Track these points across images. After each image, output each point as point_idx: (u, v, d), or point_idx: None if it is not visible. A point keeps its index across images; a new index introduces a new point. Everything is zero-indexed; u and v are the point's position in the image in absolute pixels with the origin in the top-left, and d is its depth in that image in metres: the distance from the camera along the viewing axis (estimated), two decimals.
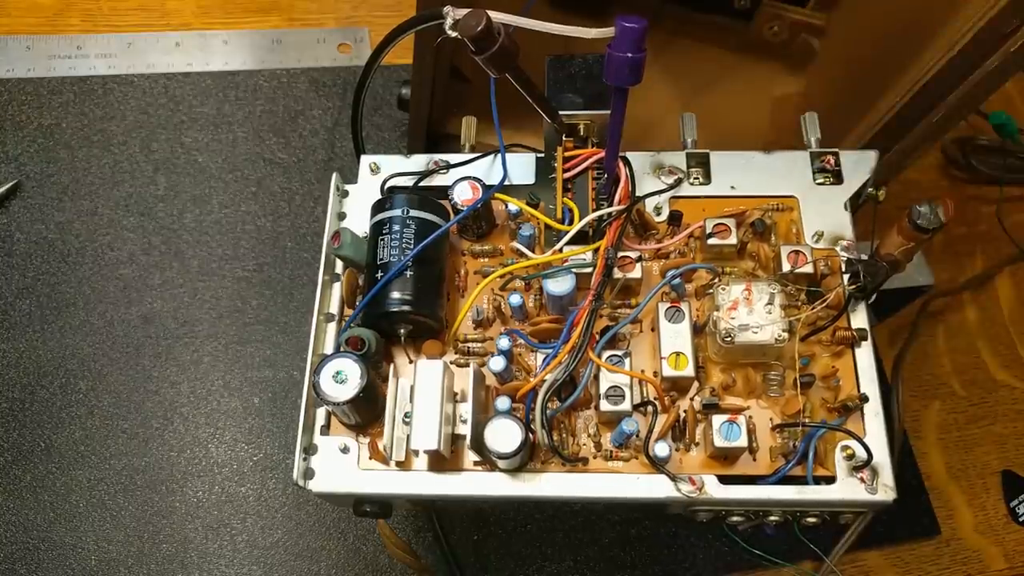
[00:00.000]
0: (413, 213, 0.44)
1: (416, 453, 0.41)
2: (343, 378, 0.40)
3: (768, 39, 0.58)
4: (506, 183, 0.46)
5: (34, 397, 0.63)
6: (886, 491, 0.39)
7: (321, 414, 0.43)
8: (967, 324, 0.70)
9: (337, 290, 0.46)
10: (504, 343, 0.42)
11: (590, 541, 0.60)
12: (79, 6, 0.78)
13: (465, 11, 0.39)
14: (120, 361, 0.65)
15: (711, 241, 0.44)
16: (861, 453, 0.39)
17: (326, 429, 0.43)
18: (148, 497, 0.61)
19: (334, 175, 0.48)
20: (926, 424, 0.66)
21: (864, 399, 0.41)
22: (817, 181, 0.46)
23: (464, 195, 0.45)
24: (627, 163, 0.45)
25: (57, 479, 0.61)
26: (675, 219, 0.46)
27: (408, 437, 0.40)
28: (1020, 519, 0.63)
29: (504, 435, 0.39)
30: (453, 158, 0.49)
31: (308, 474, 0.42)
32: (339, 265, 0.47)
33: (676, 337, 0.42)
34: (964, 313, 0.70)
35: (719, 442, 0.40)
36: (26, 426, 0.62)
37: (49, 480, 0.61)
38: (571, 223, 0.43)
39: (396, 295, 0.42)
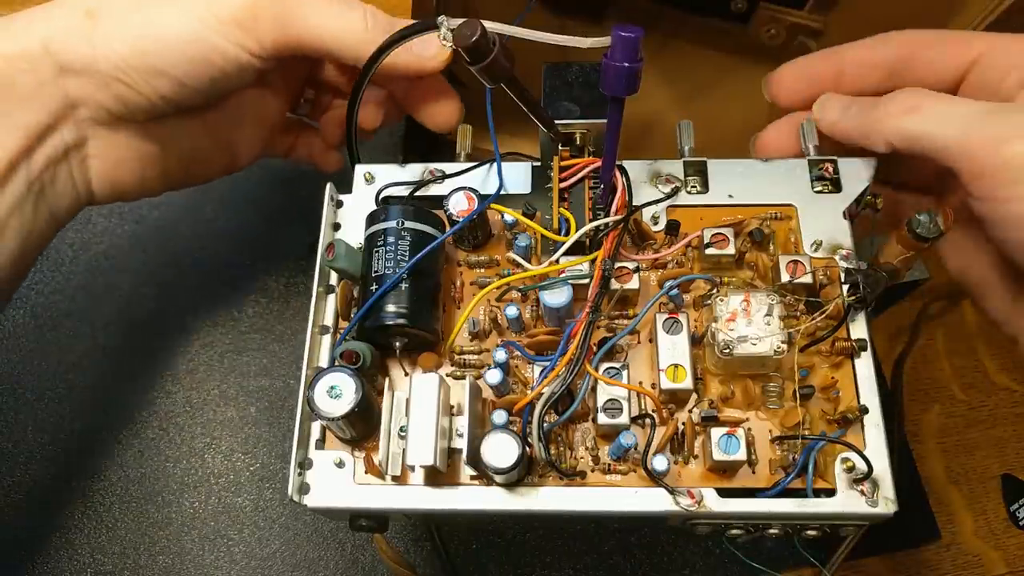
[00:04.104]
0: (408, 224, 0.43)
1: (412, 468, 0.41)
2: (338, 393, 0.40)
3: (765, 42, 0.57)
4: (502, 192, 0.46)
5: (28, 409, 0.63)
6: (887, 504, 0.39)
7: (316, 428, 0.43)
8: (966, 327, 0.70)
9: (332, 302, 0.45)
10: (500, 355, 0.42)
11: (589, 549, 0.60)
12: None
13: (460, 21, 0.39)
14: (115, 371, 0.64)
15: (709, 251, 0.43)
16: (861, 465, 0.39)
17: (321, 443, 0.43)
18: (144, 508, 0.60)
19: (328, 185, 0.47)
20: (926, 428, 0.66)
21: (864, 411, 0.40)
22: (816, 189, 0.46)
23: (460, 206, 0.44)
24: (624, 172, 0.44)
25: (51, 491, 0.60)
26: (673, 229, 0.45)
27: (404, 451, 0.40)
28: (1021, 523, 0.63)
29: (501, 449, 0.38)
30: (449, 168, 0.48)
31: (303, 489, 0.41)
32: (334, 276, 0.46)
33: (674, 349, 0.41)
34: (963, 315, 0.70)
35: (718, 455, 0.39)
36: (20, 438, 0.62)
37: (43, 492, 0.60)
38: (567, 233, 0.43)
39: (391, 308, 0.42)
